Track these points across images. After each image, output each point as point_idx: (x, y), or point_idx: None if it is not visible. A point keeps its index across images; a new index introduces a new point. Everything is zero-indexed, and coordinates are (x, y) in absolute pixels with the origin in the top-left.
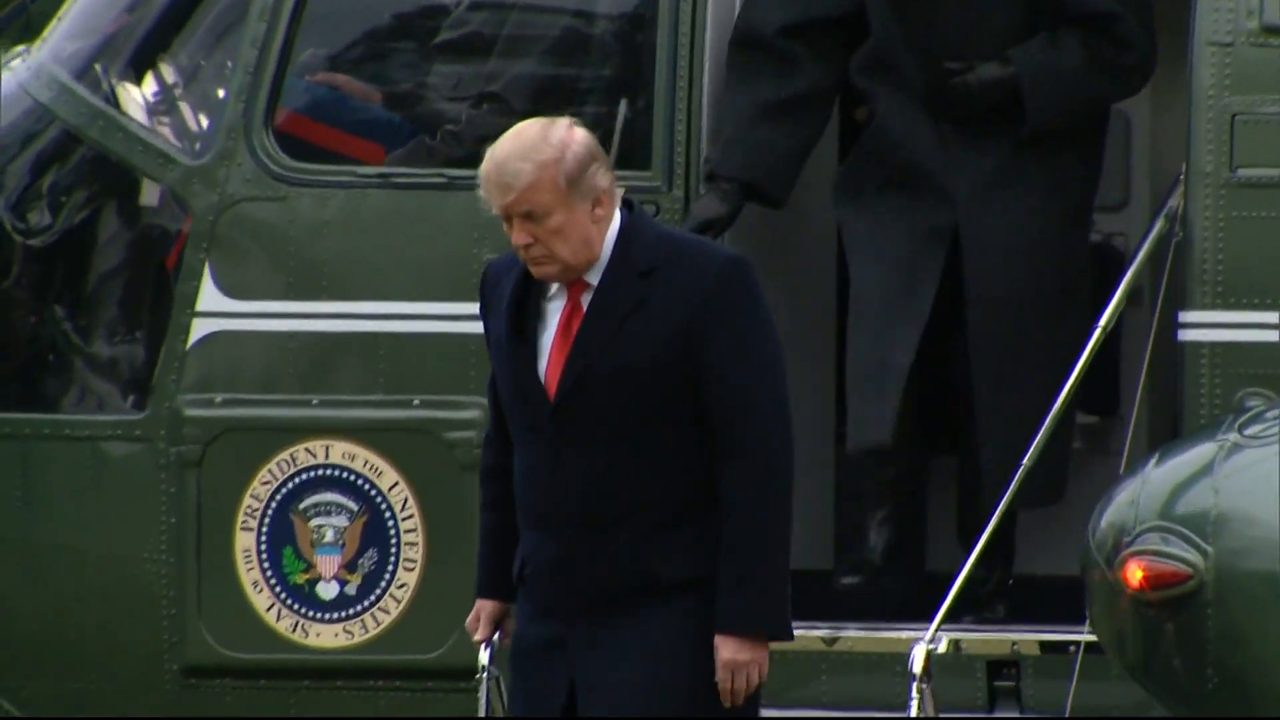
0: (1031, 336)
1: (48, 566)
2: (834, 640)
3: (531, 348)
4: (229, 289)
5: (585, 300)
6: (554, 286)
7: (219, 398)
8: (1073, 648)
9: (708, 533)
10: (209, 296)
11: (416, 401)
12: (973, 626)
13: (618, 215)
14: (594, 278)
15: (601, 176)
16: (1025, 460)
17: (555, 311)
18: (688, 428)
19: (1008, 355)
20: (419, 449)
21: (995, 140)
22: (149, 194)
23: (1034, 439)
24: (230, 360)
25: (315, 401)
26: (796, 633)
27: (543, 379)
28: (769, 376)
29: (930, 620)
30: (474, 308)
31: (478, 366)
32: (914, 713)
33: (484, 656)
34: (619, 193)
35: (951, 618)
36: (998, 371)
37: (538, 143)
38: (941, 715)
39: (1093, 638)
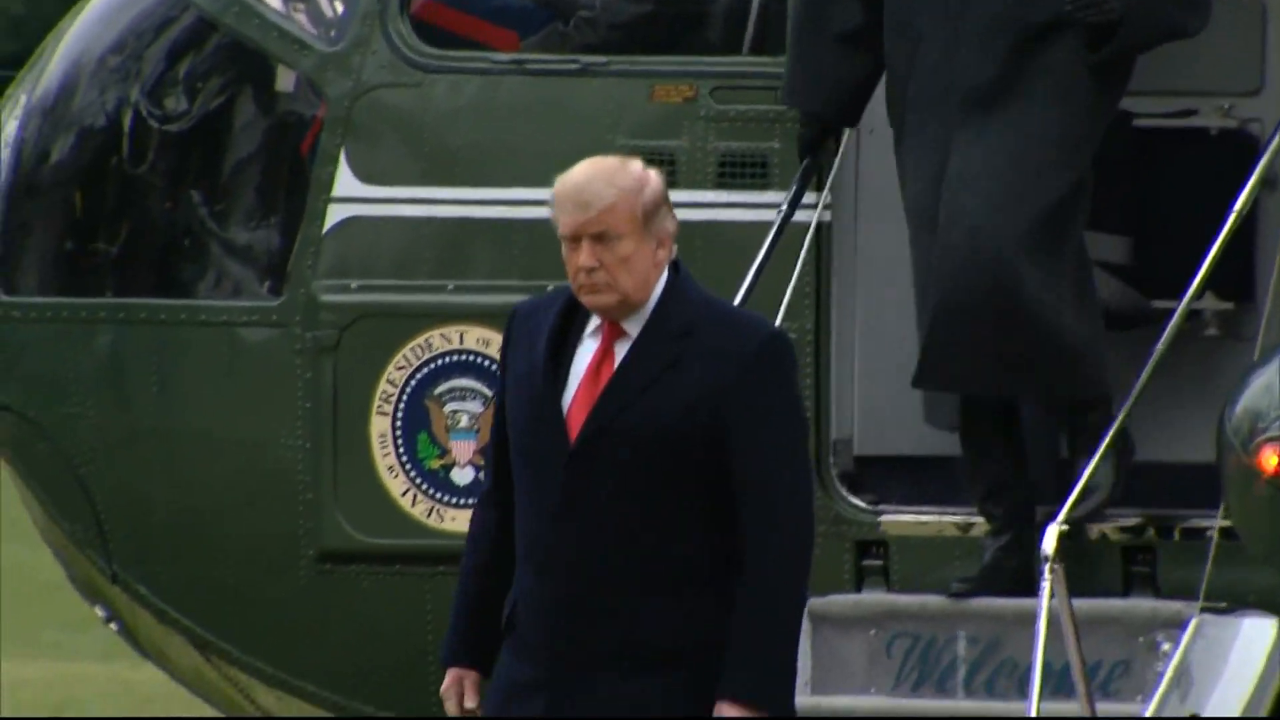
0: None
1: (184, 453)
2: (968, 526)
3: (562, 385)
4: (364, 175)
5: (619, 348)
6: (590, 328)
7: (354, 283)
8: (1207, 533)
9: (706, 603)
10: (345, 182)
11: (551, 288)
12: (1107, 511)
13: (665, 272)
14: (632, 328)
15: (670, 221)
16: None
17: (587, 354)
18: (700, 495)
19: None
20: None
21: (1002, 45)
22: (284, 80)
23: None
24: (366, 246)
25: (450, 287)
26: (931, 519)
27: (565, 419)
28: (797, 456)
29: (1063, 503)
30: None
31: None
32: (1046, 597)
33: None
34: (675, 248)
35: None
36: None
37: (620, 171)
38: (1075, 598)
39: (1227, 522)
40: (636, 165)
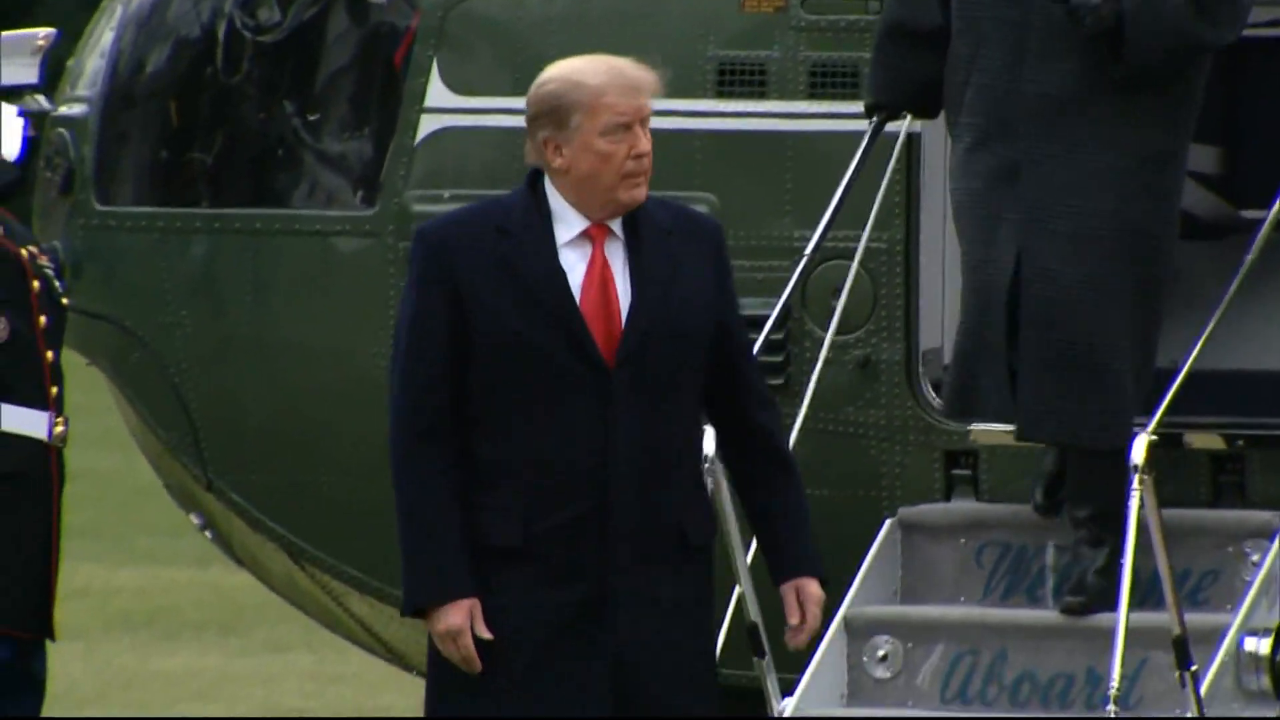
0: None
1: (278, 362)
2: None
3: (567, 294)
4: (456, 85)
5: (610, 251)
6: (568, 235)
7: (447, 193)
8: None
9: (705, 494)
10: (437, 93)
11: None
12: (1196, 420)
13: None
14: (617, 227)
15: None
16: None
17: (576, 260)
18: (699, 387)
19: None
20: None
21: (1068, 67)
22: None
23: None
24: (457, 156)
25: None
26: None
27: (589, 330)
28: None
29: (1153, 413)
30: (698, 104)
31: (702, 162)
32: (1135, 506)
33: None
34: None
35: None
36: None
37: (630, 61)
38: (1164, 508)
39: None
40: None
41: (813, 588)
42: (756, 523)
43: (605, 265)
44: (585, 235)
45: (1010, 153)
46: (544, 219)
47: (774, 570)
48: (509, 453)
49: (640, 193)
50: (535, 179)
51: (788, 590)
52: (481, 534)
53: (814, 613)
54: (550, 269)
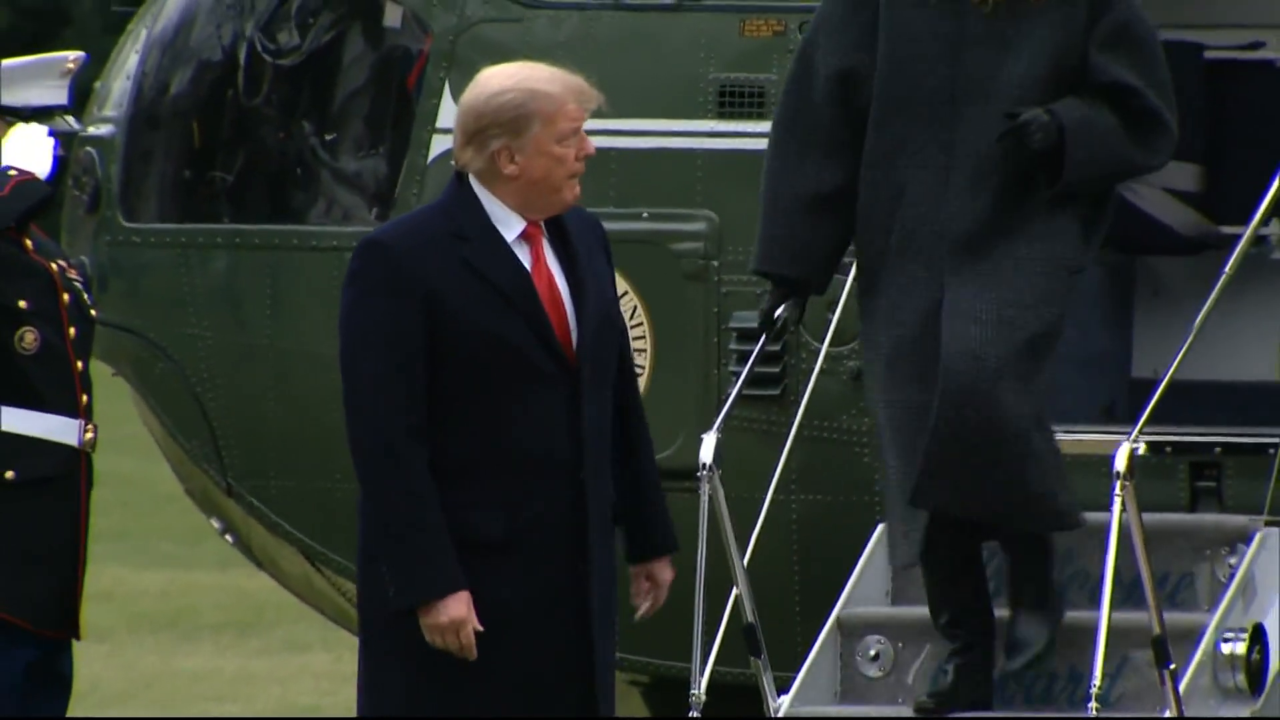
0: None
1: (295, 372)
2: None
3: (536, 297)
4: None
5: (545, 247)
6: (511, 236)
7: None
8: (1272, 450)
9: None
10: (448, 113)
11: (645, 214)
12: (1176, 429)
13: None
14: (541, 227)
15: None
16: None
17: (520, 258)
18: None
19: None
20: (646, 259)
21: (990, 189)
22: (391, 16)
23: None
24: None
25: None
26: None
27: (554, 329)
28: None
29: (1135, 423)
30: (699, 124)
31: (703, 180)
32: (1117, 511)
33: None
34: None
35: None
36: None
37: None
38: (1144, 513)
39: None
40: None
41: (665, 573)
42: (624, 493)
43: (548, 265)
44: (524, 236)
45: (935, 290)
46: (490, 221)
47: (637, 546)
48: (484, 449)
49: (578, 191)
50: (462, 180)
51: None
52: (465, 530)
53: (661, 596)
54: (515, 269)
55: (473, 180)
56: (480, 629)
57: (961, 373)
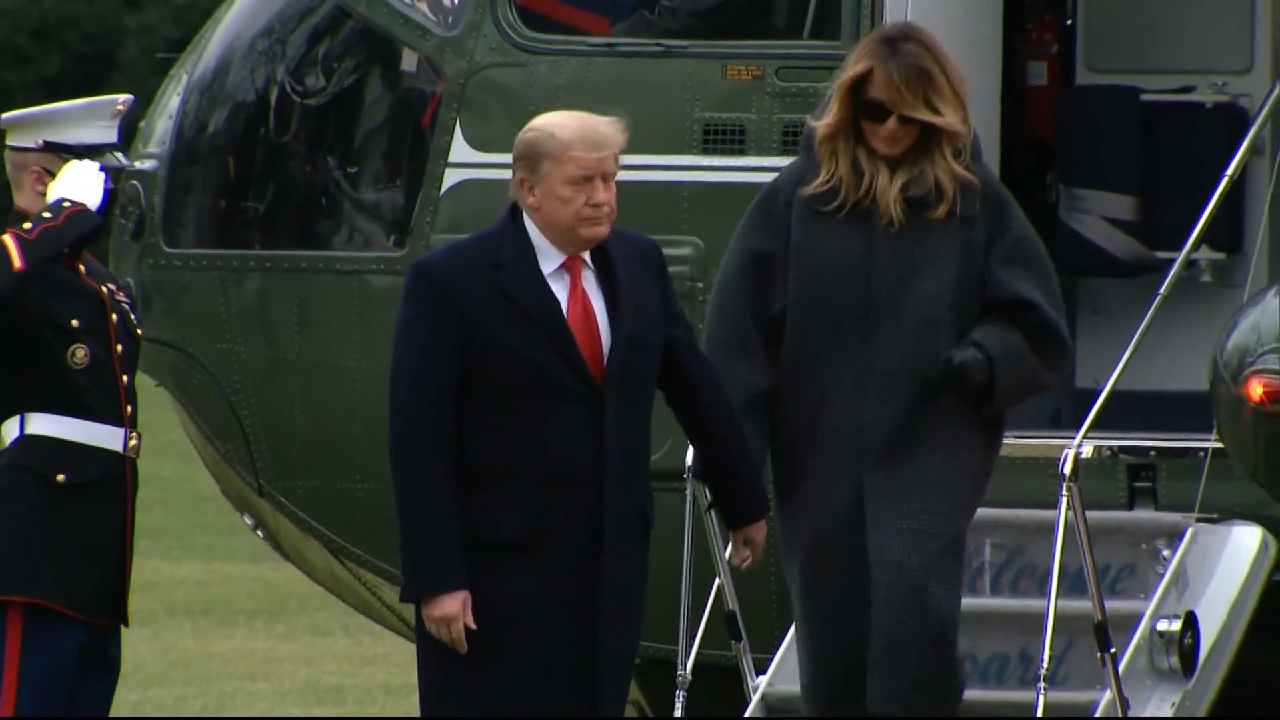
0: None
1: (320, 383)
2: None
3: (563, 322)
4: (476, 143)
5: (585, 278)
6: (550, 268)
7: (468, 238)
8: (1201, 453)
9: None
10: (459, 149)
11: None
12: (1116, 435)
13: None
14: (587, 256)
15: None
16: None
17: (559, 289)
18: (654, 387)
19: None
20: None
21: (903, 400)
22: (407, 61)
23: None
24: (477, 205)
25: None
26: None
27: (580, 351)
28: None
29: (1079, 429)
30: (685, 159)
31: (689, 209)
32: (1063, 509)
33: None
34: None
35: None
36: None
37: (610, 118)
38: (1087, 511)
39: (1219, 444)
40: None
41: (757, 535)
42: (712, 469)
43: (585, 293)
44: (564, 267)
45: (855, 486)
46: (529, 252)
47: (730, 515)
48: (513, 457)
49: (600, 230)
50: (515, 213)
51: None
52: (490, 530)
53: (756, 556)
54: (544, 297)
55: (524, 213)
56: (473, 627)
57: (893, 585)
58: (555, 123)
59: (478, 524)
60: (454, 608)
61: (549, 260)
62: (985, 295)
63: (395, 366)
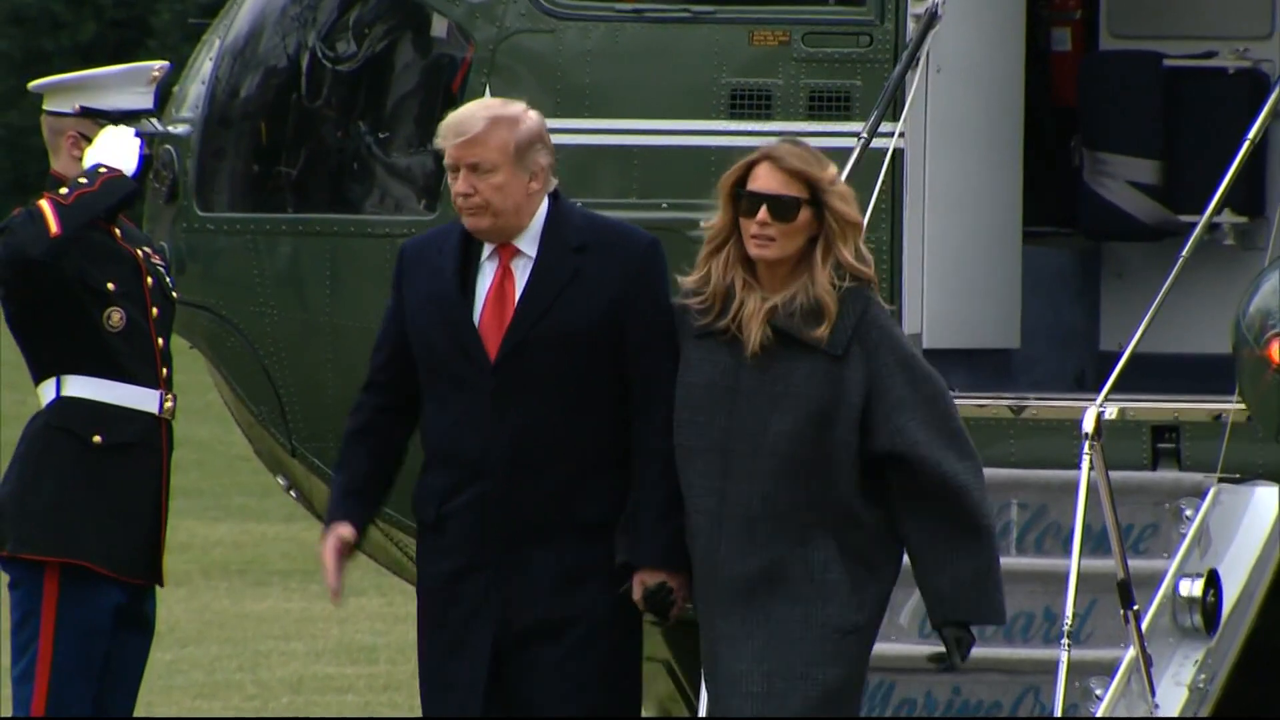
0: None
1: (351, 345)
2: (1021, 409)
3: (470, 307)
4: None
5: (516, 266)
6: (485, 252)
7: None
8: (1223, 414)
9: (617, 481)
10: None
11: (665, 205)
12: (1138, 396)
13: (546, 200)
14: (528, 247)
15: (543, 157)
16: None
17: (487, 275)
18: (609, 386)
19: None
20: (667, 245)
21: (760, 542)
22: (437, 27)
23: None
24: None
25: (579, 205)
26: (989, 402)
27: (480, 335)
28: (674, 344)
29: (1101, 390)
30: (713, 124)
31: (716, 174)
32: (1086, 469)
33: None
34: (554, 181)
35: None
36: None
37: (498, 107)
38: (1110, 471)
39: (1241, 406)
40: (517, 106)
41: (643, 577)
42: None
43: (507, 277)
44: (495, 251)
45: (711, 628)
46: (468, 237)
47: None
48: (432, 442)
49: (474, 223)
50: None
51: (634, 580)
52: (416, 509)
53: (637, 599)
54: (454, 285)
55: None
56: (329, 564)
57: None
58: (455, 110)
59: (417, 506)
60: (325, 540)
61: (487, 246)
62: (880, 438)
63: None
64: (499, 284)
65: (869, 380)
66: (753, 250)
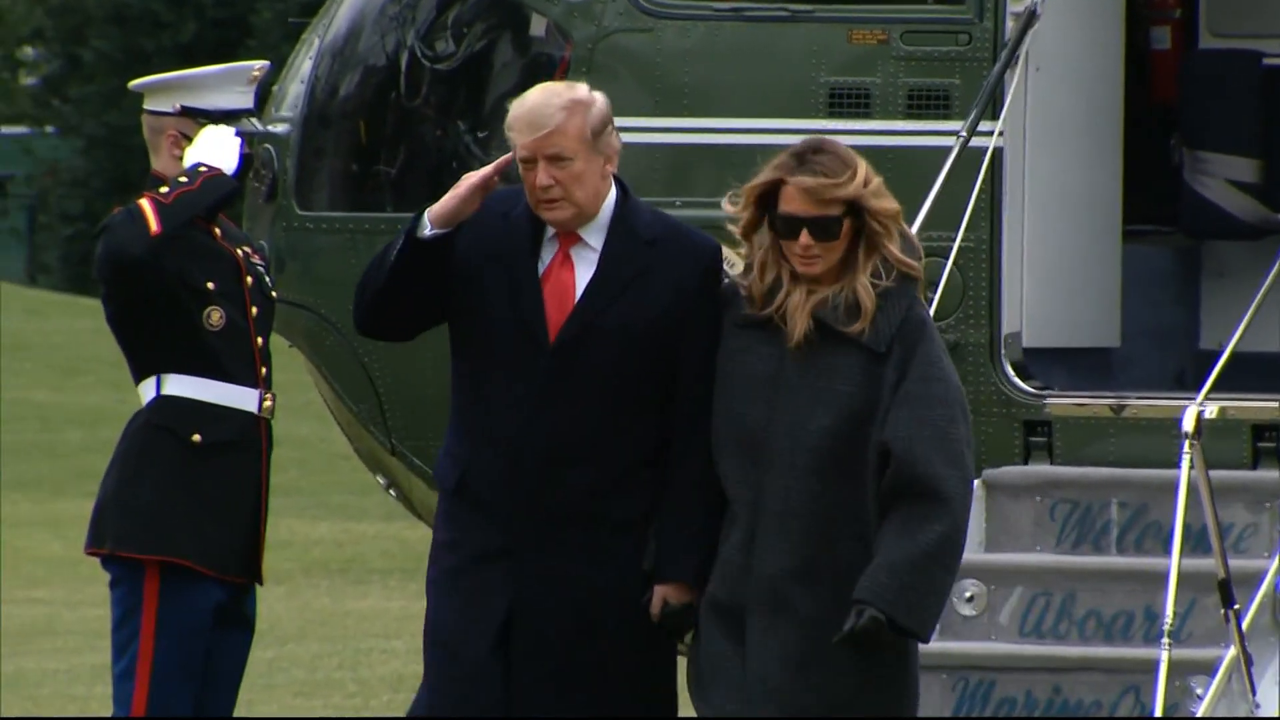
0: None
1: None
2: (1121, 408)
3: (536, 284)
4: None
5: (576, 254)
6: (547, 235)
7: None
8: None
9: (650, 480)
10: None
11: None
12: (1239, 395)
13: (614, 190)
14: (592, 237)
15: (615, 139)
16: None
17: (543, 258)
18: (656, 386)
19: None
20: None
21: (795, 536)
22: (536, 26)
23: None
24: None
25: (678, 203)
26: (1089, 401)
27: (544, 314)
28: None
29: (1200, 389)
30: (811, 123)
31: None
32: (1185, 468)
33: None
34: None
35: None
36: None
37: (568, 92)
38: (1210, 471)
39: None
40: (583, 89)
41: (666, 593)
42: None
43: (565, 262)
44: (556, 237)
45: (739, 625)
46: (537, 217)
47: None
48: (466, 416)
49: (555, 214)
50: None
51: (655, 591)
52: (441, 479)
53: (654, 613)
54: (527, 251)
55: None
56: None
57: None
58: (520, 99)
59: (438, 471)
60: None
61: (549, 229)
62: (882, 430)
63: None
64: (556, 270)
65: (897, 379)
66: (799, 268)
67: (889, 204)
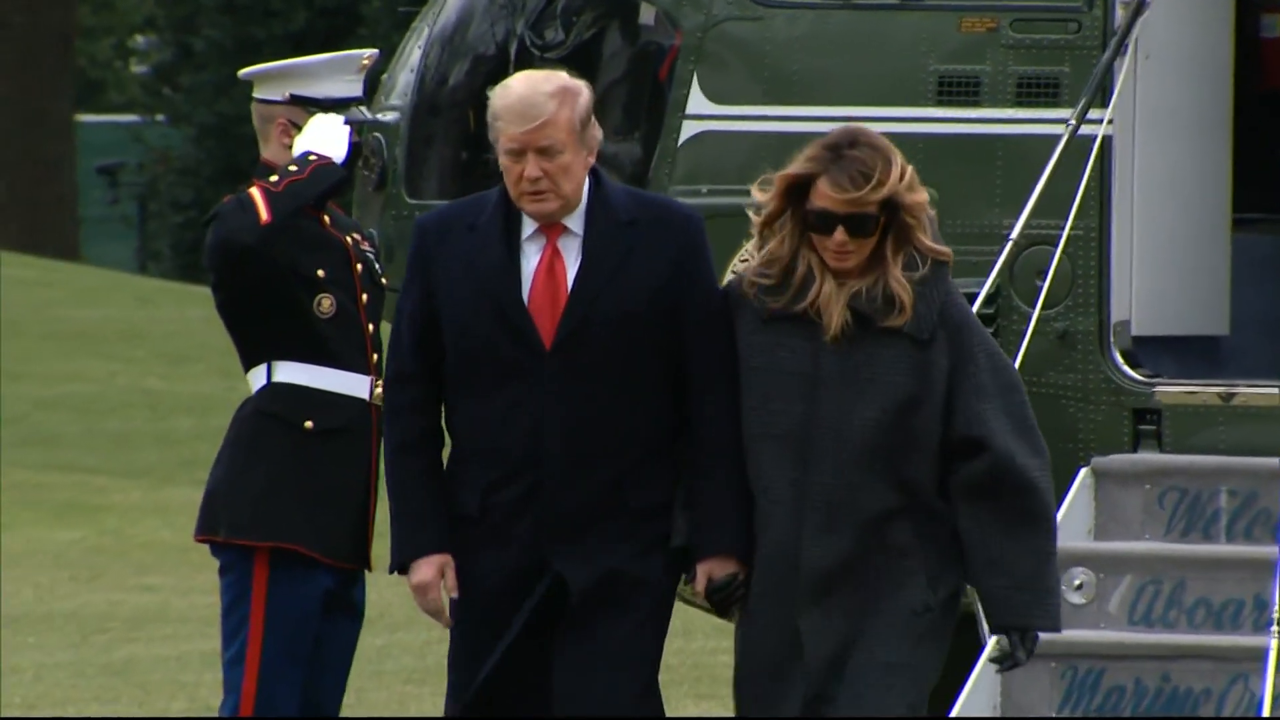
0: None
1: None
2: (1230, 396)
3: (518, 289)
4: (713, 95)
5: (564, 245)
6: (527, 232)
7: (705, 188)
8: None
9: (669, 464)
10: (696, 102)
11: None
12: None
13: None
14: (575, 225)
15: (597, 130)
16: None
17: (531, 255)
18: (664, 368)
19: None
20: None
21: (843, 533)
22: (645, 15)
23: None
24: (714, 157)
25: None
26: (1198, 389)
27: (532, 319)
28: (728, 324)
29: None
30: (921, 111)
31: (925, 161)
32: None
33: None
34: None
35: None
36: None
37: (554, 81)
38: None
39: None
40: (565, 76)
41: (711, 567)
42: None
43: (556, 257)
44: (540, 231)
45: (789, 623)
46: (511, 215)
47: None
48: (469, 433)
49: (541, 207)
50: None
51: (699, 569)
52: (452, 503)
53: (699, 590)
54: (502, 262)
55: None
56: (454, 595)
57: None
58: (504, 87)
59: (448, 495)
60: (426, 574)
61: (529, 223)
62: (958, 424)
63: (390, 338)
64: (547, 264)
65: (952, 365)
66: (832, 263)
67: (921, 196)
